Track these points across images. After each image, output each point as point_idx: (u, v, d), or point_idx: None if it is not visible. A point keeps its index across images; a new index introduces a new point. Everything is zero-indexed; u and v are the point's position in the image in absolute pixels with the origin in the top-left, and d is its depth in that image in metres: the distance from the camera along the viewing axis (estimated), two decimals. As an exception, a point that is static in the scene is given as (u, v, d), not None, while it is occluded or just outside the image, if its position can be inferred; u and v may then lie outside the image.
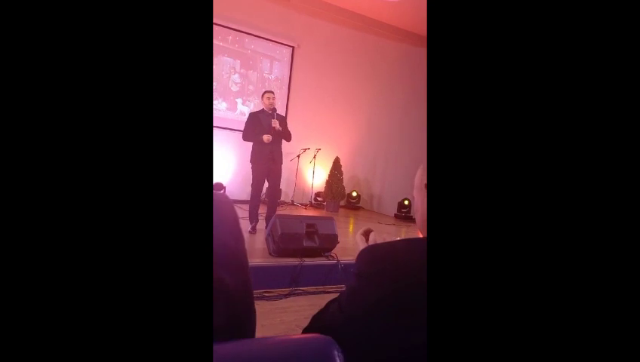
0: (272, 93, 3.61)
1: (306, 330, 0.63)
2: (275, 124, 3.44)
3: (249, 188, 3.69)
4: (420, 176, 0.68)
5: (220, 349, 0.43)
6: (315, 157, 5.69)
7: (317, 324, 0.63)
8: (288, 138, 3.64)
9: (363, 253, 0.60)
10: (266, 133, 3.43)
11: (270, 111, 3.50)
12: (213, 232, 0.48)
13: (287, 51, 5.75)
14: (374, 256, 0.59)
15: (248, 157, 3.62)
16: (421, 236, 0.66)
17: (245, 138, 3.55)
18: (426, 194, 0.66)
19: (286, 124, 3.62)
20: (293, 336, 0.50)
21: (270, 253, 2.93)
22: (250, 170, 3.59)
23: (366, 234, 0.89)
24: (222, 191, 5.12)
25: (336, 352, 0.46)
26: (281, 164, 3.63)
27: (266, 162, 3.48)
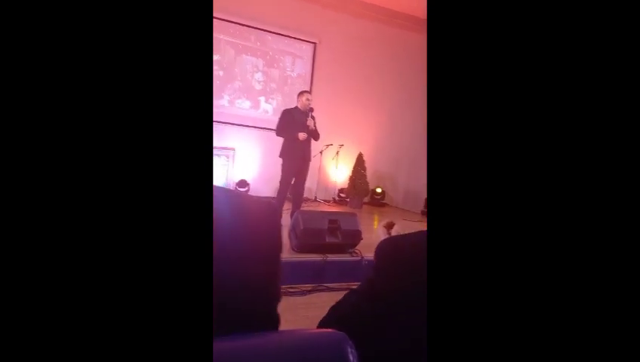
0: (309, 93, 3.73)
1: (322, 321, 0.61)
2: (311, 123, 3.51)
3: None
4: None
5: (232, 343, 0.41)
6: (337, 153, 5.66)
7: (334, 314, 0.61)
8: (317, 137, 3.70)
9: (381, 245, 0.58)
10: (299, 130, 3.49)
11: (305, 110, 3.57)
12: (248, 236, 0.48)
13: (309, 48, 5.74)
14: (392, 248, 0.57)
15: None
16: None
17: (279, 133, 3.63)
18: None
19: (315, 123, 3.67)
20: (307, 331, 0.49)
21: (292, 249, 2.94)
22: (280, 166, 3.65)
23: (389, 226, 0.86)
24: (245, 189, 5.20)
25: (349, 349, 0.44)
26: (310, 161, 3.67)
27: (297, 159, 3.54)
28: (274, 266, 0.51)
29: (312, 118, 3.57)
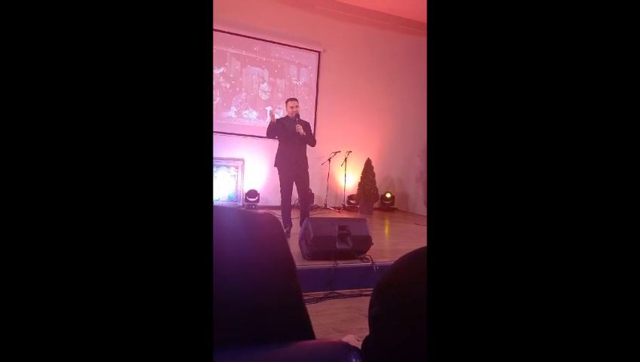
0: (296, 100, 3.73)
1: None
2: (300, 129, 3.52)
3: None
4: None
5: (232, 354, 0.42)
6: (346, 159, 5.66)
7: None
8: (312, 143, 3.71)
9: (376, 290, 0.49)
10: (291, 138, 3.52)
11: (293, 117, 3.59)
12: (256, 256, 0.48)
13: (314, 56, 5.79)
14: (387, 292, 0.48)
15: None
16: None
17: (269, 134, 3.65)
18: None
19: (310, 129, 3.69)
20: (311, 342, 0.49)
21: (304, 257, 2.93)
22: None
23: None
24: (255, 199, 5.22)
25: (354, 359, 0.43)
26: (307, 168, 3.68)
27: (291, 166, 3.55)
28: (291, 274, 0.52)
29: (301, 123, 3.59)
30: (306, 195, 3.73)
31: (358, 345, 0.66)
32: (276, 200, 5.28)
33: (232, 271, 0.48)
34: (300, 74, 5.78)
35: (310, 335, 0.53)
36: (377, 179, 5.79)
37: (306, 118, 4.33)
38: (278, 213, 4.00)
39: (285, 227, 3.65)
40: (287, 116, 3.69)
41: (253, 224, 0.52)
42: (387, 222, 5.21)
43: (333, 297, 2.67)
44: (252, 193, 5.31)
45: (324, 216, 4.78)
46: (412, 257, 0.51)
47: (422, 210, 6.07)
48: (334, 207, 5.76)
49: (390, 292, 0.49)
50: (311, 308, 2.61)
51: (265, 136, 3.79)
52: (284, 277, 0.51)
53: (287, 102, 3.71)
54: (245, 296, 0.47)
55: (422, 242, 0.53)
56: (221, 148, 5.18)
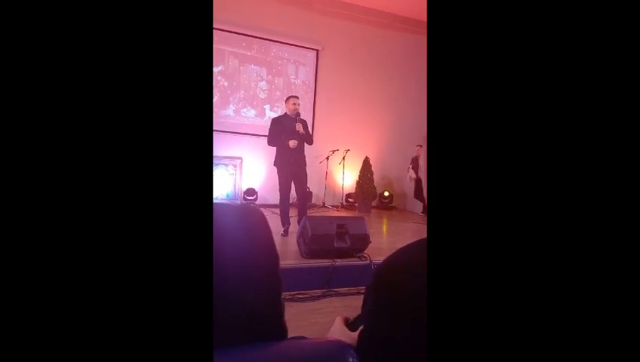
0: (297, 98, 3.68)
1: None
2: (300, 128, 3.50)
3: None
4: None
5: (233, 354, 0.42)
6: (344, 158, 5.66)
7: None
8: (310, 141, 3.69)
9: (368, 288, 0.51)
10: (290, 137, 3.48)
11: (294, 116, 3.56)
12: (244, 247, 0.48)
13: (312, 55, 5.78)
14: (380, 289, 0.49)
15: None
16: None
17: (271, 143, 3.62)
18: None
19: (307, 128, 3.67)
20: (309, 341, 0.49)
21: (302, 255, 2.94)
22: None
23: (345, 320, 0.72)
24: (253, 197, 5.22)
25: (351, 359, 0.44)
26: (305, 166, 3.67)
27: (291, 166, 3.53)
28: (273, 268, 0.52)
29: (301, 122, 3.55)
30: (304, 193, 3.73)
31: (346, 328, 0.66)
32: (274, 198, 5.28)
33: (217, 262, 0.48)
34: (298, 72, 5.77)
35: (281, 332, 0.52)
36: (375, 177, 5.80)
37: (304, 117, 4.32)
38: (276, 211, 4.00)
39: (284, 225, 3.65)
40: (285, 114, 3.67)
41: (239, 217, 0.52)
42: (385, 220, 5.22)
43: (331, 295, 2.68)
44: (250, 191, 5.30)
45: (322, 214, 4.78)
46: (403, 253, 0.52)
47: (420, 208, 6.08)
48: (332, 206, 5.77)
49: (383, 289, 0.50)
50: (308, 306, 2.61)
51: (261, 134, 3.75)
52: (266, 268, 0.51)
53: (288, 100, 3.66)
54: (227, 290, 0.47)
55: (420, 240, 0.54)
56: (219, 146, 5.17)
